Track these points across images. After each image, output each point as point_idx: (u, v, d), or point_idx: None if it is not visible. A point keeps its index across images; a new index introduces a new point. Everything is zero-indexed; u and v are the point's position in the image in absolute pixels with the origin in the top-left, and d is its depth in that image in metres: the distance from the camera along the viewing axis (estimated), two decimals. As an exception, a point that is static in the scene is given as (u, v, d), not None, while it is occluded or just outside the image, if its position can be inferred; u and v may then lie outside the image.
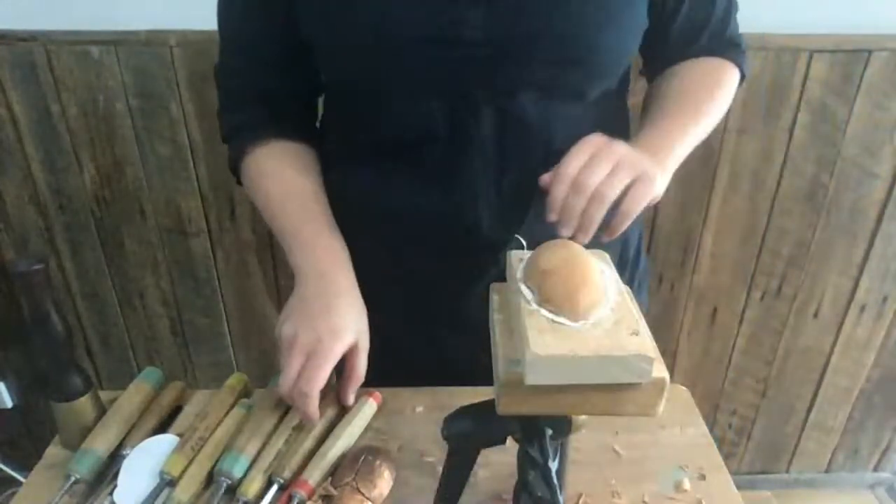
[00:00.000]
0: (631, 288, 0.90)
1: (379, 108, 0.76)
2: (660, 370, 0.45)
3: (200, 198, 1.42)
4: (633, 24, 0.74)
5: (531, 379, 0.44)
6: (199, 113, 1.32)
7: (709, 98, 0.80)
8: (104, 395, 0.80)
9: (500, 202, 0.76)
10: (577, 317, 0.46)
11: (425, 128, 0.74)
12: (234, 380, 0.82)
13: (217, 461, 0.73)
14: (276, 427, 0.76)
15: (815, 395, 1.76)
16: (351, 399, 0.78)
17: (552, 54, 0.69)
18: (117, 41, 1.25)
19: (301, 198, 0.79)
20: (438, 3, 0.67)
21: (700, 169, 1.41)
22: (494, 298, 0.56)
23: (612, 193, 0.63)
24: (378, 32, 0.68)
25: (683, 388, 0.84)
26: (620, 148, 0.65)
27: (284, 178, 0.80)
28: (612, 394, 0.46)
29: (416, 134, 0.75)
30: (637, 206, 0.65)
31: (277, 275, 1.53)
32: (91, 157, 1.37)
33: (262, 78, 0.80)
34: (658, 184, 0.66)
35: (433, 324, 0.86)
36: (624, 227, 0.67)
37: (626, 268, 0.92)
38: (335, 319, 0.71)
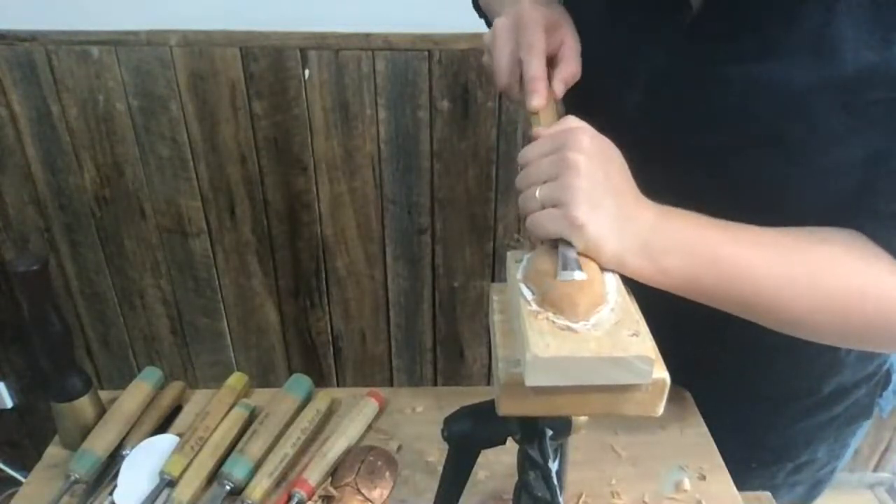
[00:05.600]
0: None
1: None
2: (660, 371, 0.45)
3: (200, 198, 1.42)
4: None
5: (531, 380, 0.44)
6: (199, 113, 1.32)
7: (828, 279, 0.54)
8: (104, 395, 0.80)
9: None
10: (577, 318, 0.46)
11: None
12: (234, 380, 0.82)
13: (217, 461, 0.73)
14: (283, 430, 0.76)
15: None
16: (559, 87, 0.62)
17: None
18: (117, 41, 1.25)
19: None
20: None
21: None
22: (494, 299, 0.56)
23: (527, 203, 0.52)
24: None
25: (684, 388, 0.84)
26: (577, 156, 0.49)
27: None
28: (613, 394, 0.46)
29: None
30: (539, 231, 0.51)
31: (277, 275, 1.53)
32: (91, 157, 1.37)
33: None
34: (587, 236, 0.49)
35: None
36: (534, 234, 0.52)
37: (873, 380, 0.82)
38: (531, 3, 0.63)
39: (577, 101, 0.63)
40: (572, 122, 0.53)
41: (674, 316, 0.56)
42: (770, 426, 0.83)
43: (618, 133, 0.53)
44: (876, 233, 0.56)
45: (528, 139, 0.56)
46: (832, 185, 0.58)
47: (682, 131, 0.63)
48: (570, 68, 0.62)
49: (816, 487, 0.92)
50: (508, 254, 0.57)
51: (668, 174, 0.55)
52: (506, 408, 0.49)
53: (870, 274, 0.54)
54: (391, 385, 1.70)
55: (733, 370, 0.80)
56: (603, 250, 0.50)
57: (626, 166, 0.53)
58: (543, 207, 0.50)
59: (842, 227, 0.57)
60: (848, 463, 1.87)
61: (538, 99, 0.59)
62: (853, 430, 0.86)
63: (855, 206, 0.57)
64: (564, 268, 0.47)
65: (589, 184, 0.49)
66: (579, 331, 0.45)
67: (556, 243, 0.51)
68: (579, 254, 0.49)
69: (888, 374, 0.83)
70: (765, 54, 0.57)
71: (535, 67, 0.60)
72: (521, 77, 0.62)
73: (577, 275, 0.47)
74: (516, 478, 0.57)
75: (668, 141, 0.61)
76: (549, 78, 0.61)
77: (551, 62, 0.63)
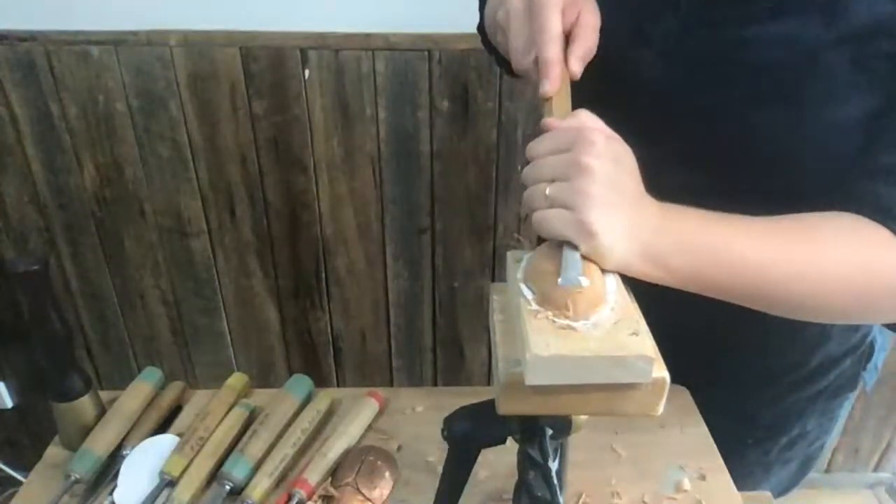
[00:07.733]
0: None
1: None
2: (660, 370, 0.45)
3: (200, 198, 1.42)
4: None
5: (531, 379, 0.44)
6: (199, 113, 1.32)
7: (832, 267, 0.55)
8: (104, 395, 0.80)
9: None
10: (577, 317, 0.46)
11: None
12: (234, 380, 0.82)
13: (217, 461, 0.73)
14: (283, 430, 0.76)
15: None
16: (576, 65, 0.60)
17: None
18: (117, 41, 1.25)
19: None
20: None
21: None
22: (494, 299, 0.56)
23: (534, 199, 0.51)
24: None
25: (683, 388, 0.84)
26: (591, 161, 0.48)
27: None
28: (613, 394, 0.46)
29: None
30: (546, 230, 0.50)
31: (277, 275, 1.53)
32: (91, 157, 1.37)
33: None
34: (598, 243, 0.48)
35: None
36: (540, 231, 0.51)
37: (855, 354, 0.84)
38: None
39: (591, 64, 0.62)
40: (585, 118, 0.52)
41: (676, 314, 0.56)
42: (763, 402, 0.85)
43: (632, 95, 0.53)
44: (870, 188, 0.56)
45: (536, 132, 0.54)
46: (835, 144, 0.59)
47: (696, 90, 0.63)
48: (586, 44, 0.60)
49: (807, 464, 0.95)
50: (508, 254, 0.57)
51: (679, 135, 0.54)
52: (506, 407, 0.49)
53: (871, 253, 0.55)
54: (391, 385, 1.70)
55: (727, 351, 0.81)
56: (611, 257, 0.49)
57: (635, 166, 0.52)
58: (552, 206, 0.49)
59: (840, 212, 0.57)
60: (848, 463, 1.88)
61: (549, 85, 0.57)
62: (840, 403, 0.88)
63: (854, 166, 0.58)
64: (568, 273, 0.47)
65: (602, 190, 0.48)
66: (579, 330, 0.45)
67: (557, 242, 0.51)
68: (583, 257, 0.49)
69: (871, 347, 0.85)
70: (778, 12, 0.57)
71: (549, 51, 0.57)
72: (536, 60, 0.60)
73: (581, 280, 0.47)
74: (516, 478, 0.57)
75: (682, 100, 0.61)
76: (566, 56, 0.59)
77: (568, 38, 0.61)
